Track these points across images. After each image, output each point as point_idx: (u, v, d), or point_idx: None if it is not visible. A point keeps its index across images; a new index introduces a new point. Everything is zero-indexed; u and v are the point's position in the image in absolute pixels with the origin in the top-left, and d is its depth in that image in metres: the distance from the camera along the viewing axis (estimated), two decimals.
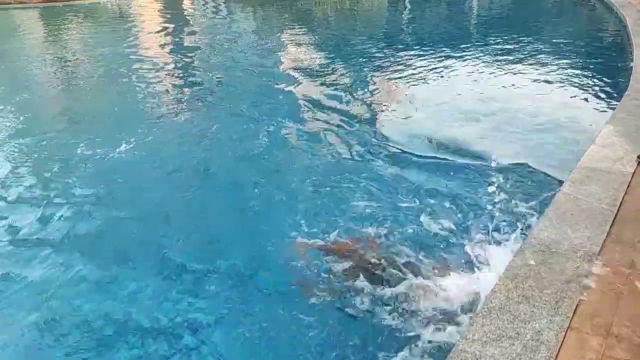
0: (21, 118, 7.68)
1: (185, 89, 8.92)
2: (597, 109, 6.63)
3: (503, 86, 7.90)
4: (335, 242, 4.16)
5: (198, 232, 4.46)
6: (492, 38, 11.34)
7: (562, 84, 7.73)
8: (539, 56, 9.40)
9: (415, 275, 3.65)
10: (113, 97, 8.74)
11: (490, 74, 8.54)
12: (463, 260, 3.75)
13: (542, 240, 3.32)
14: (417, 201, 4.61)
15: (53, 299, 3.66)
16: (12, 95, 9.14)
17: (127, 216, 4.68)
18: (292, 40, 12.76)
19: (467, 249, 3.85)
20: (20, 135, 6.83)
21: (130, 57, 12.01)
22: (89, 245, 4.29)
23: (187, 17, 21.11)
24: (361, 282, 3.60)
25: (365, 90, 8.11)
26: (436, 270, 3.69)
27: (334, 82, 8.63)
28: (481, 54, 9.85)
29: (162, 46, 13.66)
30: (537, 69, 8.56)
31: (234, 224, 4.60)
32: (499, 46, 10.40)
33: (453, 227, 4.17)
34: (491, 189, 4.69)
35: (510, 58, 9.35)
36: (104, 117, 7.65)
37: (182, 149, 6.15)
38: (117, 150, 5.97)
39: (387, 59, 9.95)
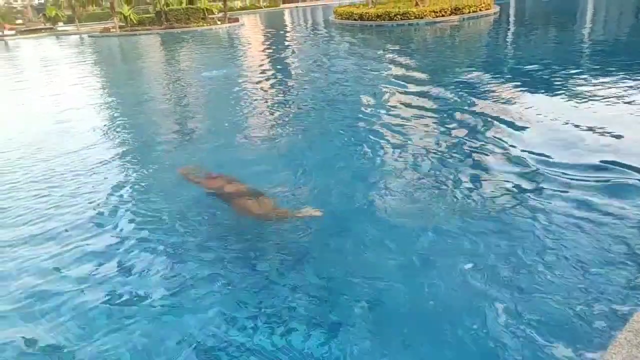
0: (137, 130, 8.52)
1: (291, 109, 9.15)
2: None
3: (610, 113, 7.07)
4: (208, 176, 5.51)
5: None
6: (599, 65, 10.34)
7: None
8: None
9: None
10: (220, 113, 9.34)
11: (595, 100, 7.71)
12: None
13: None
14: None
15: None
16: (133, 110, 10.21)
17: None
18: (394, 64, 12.79)
19: None
20: (138, 146, 7.52)
21: (239, 77, 12.87)
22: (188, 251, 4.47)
23: (289, 41, 22.20)
24: None
25: (473, 112, 7.75)
26: None
27: (437, 104, 8.40)
28: (588, 80, 9.01)
29: (268, 68, 14.43)
30: None
31: None
32: (605, 74, 9.40)
33: None
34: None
35: (616, 85, 8.39)
36: (214, 132, 8.14)
37: (290, 168, 5.96)
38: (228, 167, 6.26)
39: (488, 84, 9.52)
